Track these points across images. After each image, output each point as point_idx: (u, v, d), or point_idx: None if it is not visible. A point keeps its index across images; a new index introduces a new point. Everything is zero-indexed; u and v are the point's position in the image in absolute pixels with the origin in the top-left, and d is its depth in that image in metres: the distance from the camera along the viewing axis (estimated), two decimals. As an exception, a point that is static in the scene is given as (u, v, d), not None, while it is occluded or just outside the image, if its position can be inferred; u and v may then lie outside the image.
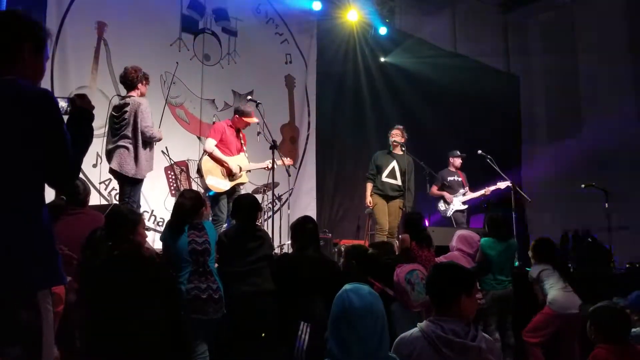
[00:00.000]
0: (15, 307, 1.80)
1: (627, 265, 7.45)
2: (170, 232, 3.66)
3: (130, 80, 4.99)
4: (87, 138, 2.09)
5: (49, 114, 1.91)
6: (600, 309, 2.98)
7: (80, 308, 3.22)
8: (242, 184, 5.84)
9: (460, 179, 7.69)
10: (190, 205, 3.73)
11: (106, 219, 3.44)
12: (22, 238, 1.83)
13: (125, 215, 3.44)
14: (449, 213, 7.45)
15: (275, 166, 5.78)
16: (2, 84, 1.88)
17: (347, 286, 2.04)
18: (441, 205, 7.56)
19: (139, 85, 5.02)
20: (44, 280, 1.90)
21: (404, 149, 6.54)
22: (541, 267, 4.82)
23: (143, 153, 4.80)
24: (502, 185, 7.42)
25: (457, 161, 7.75)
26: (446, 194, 7.50)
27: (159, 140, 5.04)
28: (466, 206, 7.55)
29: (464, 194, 7.53)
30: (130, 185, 4.81)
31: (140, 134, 4.75)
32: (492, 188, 7.48)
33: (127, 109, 4.81)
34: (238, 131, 5.89)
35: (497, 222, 5.10)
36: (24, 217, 1.86)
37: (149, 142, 4.87)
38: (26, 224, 1.86)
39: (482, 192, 7.49)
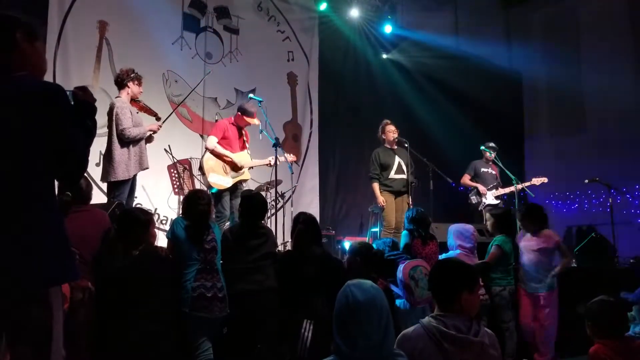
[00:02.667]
0: (28, 303, 1.81)
1: (632, 261, 7.42)
2: (192, 236, 3.65)
3: (120, 79, 5.04)
4: (90, 131, 2.11)
5: (60, 108, 1.93)
6: (597, 304, 2.93)
7: (91, 306, 3.24)
8: (245, 180, 5.86)
9: (493, 172, 7.41)
10: (209, 209, 3.81)
11: (120, 219, 3.47)
12: (35, 233, 1.84)
13: (138, 216, 3.48)
14: (481, 207, 7.13)
15: (278, 163, 5.78)
16: (14, 79, 1.91)
17: (349, 282, 2.05)
18: (474, 198, 7.27)
19: (129, 84, 5.01)
20: (58, 276, 1.91)
21: (406, 144, 6.52)
22: None
23: (120, 153, 4.81)
24: (537, 181, 7.14)
25: (491, 154, 7.39)
26: (480, 186, 7.21)
27: (144, 134, 4.99)
28: (499, 201, 7.18)
29: (497, 188, 7.22)
30: (112, 186, 4.87)
31: (116, 136, 4.81)
32: (522, 185, 7.15)
33: (108, 112, 4.91)
34: (240, 129, 5.90)
35: (507, 218, 5.10)
36: (37, 213, 1.87)
37: (126, 144, 4.85)
38: (39, 220, 1.87)
39: (512, 188, 7.11)
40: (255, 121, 5.86)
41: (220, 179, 5.61)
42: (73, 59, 6.58)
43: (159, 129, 5.21)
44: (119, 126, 4.80)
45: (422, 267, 4.09)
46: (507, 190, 7.18)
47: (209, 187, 5.55)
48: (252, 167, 5.95)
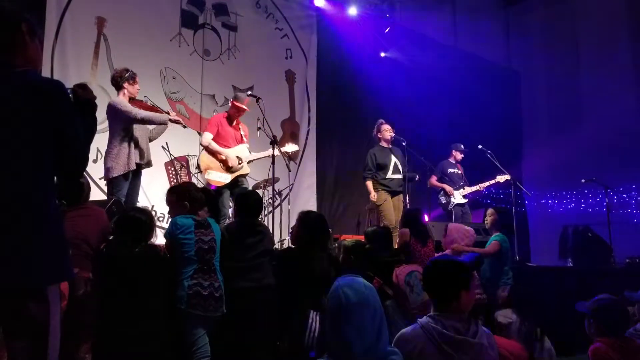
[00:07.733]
0: (25, 301, 1.81)
1: (627, 260, 7.46)
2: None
3: (115, 81, 5.01)
4: (91, 128, 2.13)
5: (63, 104, 1.95)
6: (601, 302, 2.95)
7: (92, 301, 3.25)
8: (245, 175, 5.78)
9: (460, 172, 7.65)
10: (202, 202, 3.83)
11: (120, 218, 3.50)
12: (33, 232, 1.84)
13: (139, 215, 3.50)
14: (450, 206, 7.34)
15: (274, 157, 5.68)
16: (19, 74, 1.92)
17: (340, 281, 2.00)
18: (442, 198, 7.47)
19: (125, 85, 4.97)
20: (55, 275, 1.91)
21: (404, 143, 6.52)
22: None
23: (115, 151, 4.80)
24: (501, 178, 7.33)
25: (459, 155, 7.70)
26: (447, 187, 7.41)
27: (160, 119, 4.97)
28: (466, 200, 7.46)
29: (463, 188, 7.45)
30: (111, 183, 4.88)
31: (117, 133, 4.79)
32: (487, 183, 7.44)
33: (107, 111, 4.88)
34: (232, 121, 5.82)
35: (508, 217, 5.09)
36: (35, 211, 1.86)
37: (126, 139, 4.81)
38: (40, 217, 1.87)
39: (476, 187, 7.43)
40: (243, 106, 5.78)
41: (218, 176, 5.55)
42: (71, 55, 6.54)
43: (179, 122, 5.18)
44: (126, 113, 4.77)
45: (417, 272, 4.07)
46: (473, 189, 7.42)
47: (207, 184, 5.52)
48: (251, 161, 5.86)
